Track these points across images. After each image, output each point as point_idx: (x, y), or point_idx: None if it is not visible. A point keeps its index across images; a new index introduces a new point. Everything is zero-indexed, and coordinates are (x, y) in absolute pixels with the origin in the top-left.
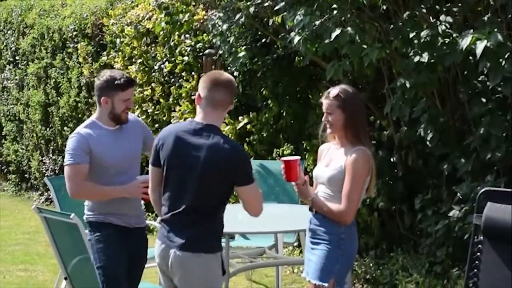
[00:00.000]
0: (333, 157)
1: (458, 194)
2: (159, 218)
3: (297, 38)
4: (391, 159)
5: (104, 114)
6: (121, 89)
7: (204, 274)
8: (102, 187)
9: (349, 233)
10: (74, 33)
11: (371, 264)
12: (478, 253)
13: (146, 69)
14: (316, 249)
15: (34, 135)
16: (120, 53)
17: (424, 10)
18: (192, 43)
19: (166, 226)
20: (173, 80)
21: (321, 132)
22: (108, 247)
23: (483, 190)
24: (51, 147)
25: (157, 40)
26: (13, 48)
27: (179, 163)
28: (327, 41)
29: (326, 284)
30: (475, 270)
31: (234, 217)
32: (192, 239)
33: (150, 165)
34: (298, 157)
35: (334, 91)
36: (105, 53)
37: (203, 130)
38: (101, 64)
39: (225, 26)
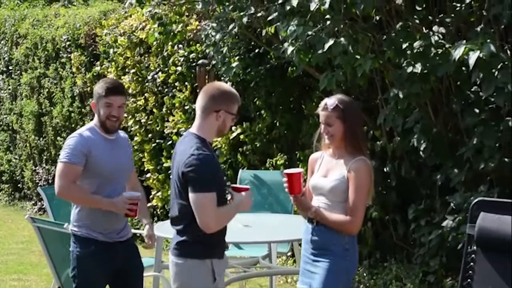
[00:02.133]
0: (331, 168)
1: (451, 204)
2: None
3: (290, 49)
4: (385, 169)
5: (96, 119)
6: (104, 94)
7: (189, 279)
8: (89, 195)
9: (353, 243)
10: (68, 43)
11: (364, 274)
12: (472, 263)
13: (140, 79)
14: (320, 261)
15: (28, 145)
16: (113, 63)
17: (417, 21)
18: (186, 53)
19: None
20: (166, 90)
21: (316, 143)
22: (88, 267)
23: (476, 200)
24: (44, 157)
25: (150, 50)
26: (6, 58)
27: (172, 170)
28: (320, 51)
29: None
30: (469, 280)
31: (228, 227)
32: (180, 245)
33: None
34: (301, 170)
35: (331, 101)
36: (98, 63)
37: (185, 138)
38: (94, 74)
39: (218, 36)
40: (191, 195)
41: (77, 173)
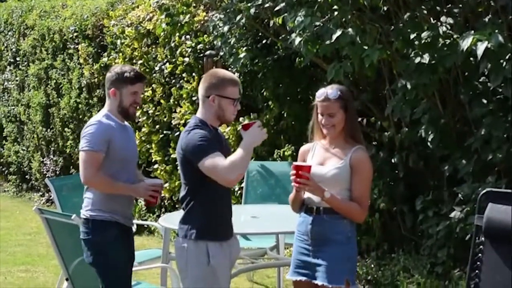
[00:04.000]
0: (328, 156)
1: (459, 195)
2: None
3: (298, 39)
4: (392, 160)
5: (113, 107)
6: (130, 82)
7: (185, 260)
8: (114, 181)
9: (353, 231)
10: (75, 34)
11: (372, 265)
12: (480, 254)
13: (147, 70)
14: (323, 252)
15: (35, 136)
16: (120, 54)
17: (425, 11)
18: (193, 44)
19: None
20: (173, 81)
21: (311, 134)
22: (117, 252)
23: (484, 191)
24: (52, 148)
25: (157, 41)
26: (14, 49)
27: None
28: (327, 42)
29: (343, 286)
30: (477, 271)
31: (236, 218)
32: (180, 225)
33: None
34: (310, 164)
35: (332, 91)
36: (105, 54)
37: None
38: (102, 65)
39: (226, 27)
40: (200, 166)
41: (100, 161)
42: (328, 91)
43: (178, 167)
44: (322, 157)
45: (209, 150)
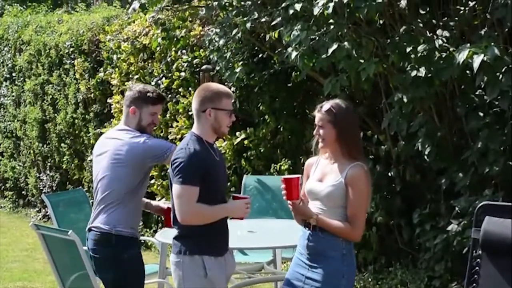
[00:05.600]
0: (327, 172)
1: (456, 209)
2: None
3: (294, 54)
4: (389, 174)
5: (132, 125)
6: (152, 102)
7: (182, 275)
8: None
9: (349, 248)
10: (71, 49)
11: (369, 279)
12: (477, 267)
13: None
14: (318, 267)
15: (31, 151)
16: (117, 69)
17: (421, 25)
18: (189, 59)
19: None
20: (170, 96)
21: (314, 146)
22: (142, 268)
23: (481, 204)
24: (48, 164)
25: (154, 56)
26: (10, 65)
27: None
28: (324, 56)
29: None
30: (474, 284)
31: (233, 233)
32: (174, 242)
33: None
34: (298, 176)
35: (326, 105)
36: (102, 69)
37: (184, 136)
38: (98, 80)
39: (221, 42)
40: (173, 186)
41: None
42: (324, 104)
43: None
44: (321, 172)
45: (193, 182)
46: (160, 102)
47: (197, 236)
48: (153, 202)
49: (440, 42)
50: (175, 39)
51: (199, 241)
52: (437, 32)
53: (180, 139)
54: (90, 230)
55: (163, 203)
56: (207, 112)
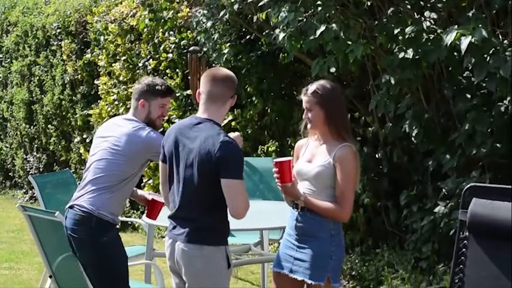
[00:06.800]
0: (316, 153)
1: (443, 190)
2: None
3: (281, 35)
4: (376, 156)
5: (140, 117)
6: (161, 95)
7: (206, 266)
8: None
9: (338, 229)
10: (58, 30)
11: (356, 261)
12: (464, 249)
13: (130, 66)
14: (306, 248)
15: (18, 133)
16: (104, 50)
17: (409, 6)
18: (177, 40)
19: (173, 222)
20: (157, 77)
21: (303, 129)
22: (123, 249)
23: (468, 185)
24: (35, 145)
25: (141, 37)
26: None
27: (178, 157)
28: (311, 37)
29: (322, 284)
30: (461, 266)
31: None
32: (194, 232)
33: (160, 162)
34: (290, 158)
35: (311, 87)
36: (89, 50)
37: (200, 124)
38: (85, 61)
39: (209, 23)
40: (227, 181)
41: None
42: (309, 86)
43: (193, 169)
44: (311, 153)
45: (243, 175)
46: (169, 94)
47: (221, 225)
48: (139, 191)
49: (428, 23)
50: (163, 20)
51: (223, 231)
52: (425, 13)
53: (167, 121)
54: (72, 207)
55: (148, 194)
56: (233, 98)
